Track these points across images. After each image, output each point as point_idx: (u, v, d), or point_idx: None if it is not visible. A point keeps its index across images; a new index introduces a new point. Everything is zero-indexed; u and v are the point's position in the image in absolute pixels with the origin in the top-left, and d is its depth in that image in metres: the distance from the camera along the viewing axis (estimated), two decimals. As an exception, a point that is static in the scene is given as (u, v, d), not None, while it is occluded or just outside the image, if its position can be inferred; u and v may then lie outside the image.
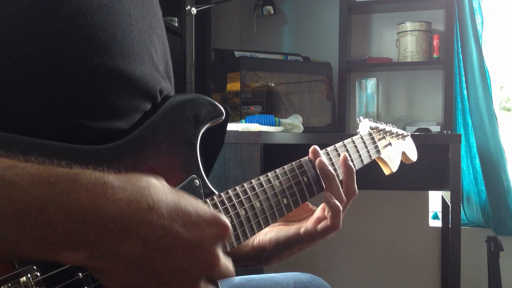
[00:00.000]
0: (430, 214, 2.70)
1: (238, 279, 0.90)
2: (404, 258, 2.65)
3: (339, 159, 0.73)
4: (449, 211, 1.91)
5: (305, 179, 0.68)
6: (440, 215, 2.66)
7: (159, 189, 0.43)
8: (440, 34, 2.52)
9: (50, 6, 0.48)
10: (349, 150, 0.77)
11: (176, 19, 2.37)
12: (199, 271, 0.44)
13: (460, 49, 2.47)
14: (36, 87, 0.48)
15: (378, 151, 0.84)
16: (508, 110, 3.02)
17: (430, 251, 2.62)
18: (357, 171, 0.75)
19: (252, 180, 0.61)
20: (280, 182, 0.64)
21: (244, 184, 0.60)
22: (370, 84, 2.47)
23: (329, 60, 2.54)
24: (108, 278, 0.42)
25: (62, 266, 0.43)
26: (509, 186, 2.38)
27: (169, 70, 0.65)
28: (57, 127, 0.50)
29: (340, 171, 0.73)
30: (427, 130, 2.35)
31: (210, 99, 0.62)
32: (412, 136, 1.00)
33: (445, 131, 2.28)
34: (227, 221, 0.46)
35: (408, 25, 2.49)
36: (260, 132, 1.45)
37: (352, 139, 0.79)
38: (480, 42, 2.42)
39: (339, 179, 0.71)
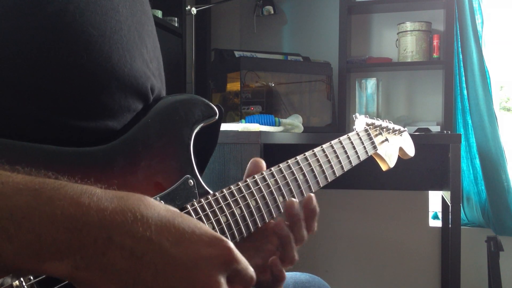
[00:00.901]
0: (430, 214, 2.70)
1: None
2: (404, 258, 2.65)
3: (335, 156, 0.73)
4: (449, 211, 1.91)
5: (301, 177, 0.68)
6: (440, 215, 2.66)
7: (151, 205, 0.42)
8: (440, 34, 2.52)
9: (35, 5, 0.48)
10: (345, 146, 0.77)
11: (176, 19, 2.37)
12: None
13: (460, 49, 2.47)
14: (24, 86, 0.48)
15: (374, 147, 0.84)
16: (508, 110, 3.01)
17: (430, 251, 2.62)
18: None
19: (247, 179, 0.61)
20: (275, 180, 0.64)
21: (239, 182, 0.60)
22: (370, 84, 2.47)
23: (329, 60, 2.54)
24: None
25: None
26: (509, 186, 2.38)
27: (160, 67, 0.64)
28: (47, 128, 0.49)
29: (337, 167, 0.73)
30: (427, 130, 2.35)
31: (203, 99, 0.61)
32: (412, 136, 1.01)
33: (445, 131, 2.28)
34: (230, 243, 0.43)
35: (408, 25, 2.49)
36: (260, 132, 1.45)
37: (348, 135, 0.79)
38: (480, 42, 2.42)
39: (334, 178, 0.70)
